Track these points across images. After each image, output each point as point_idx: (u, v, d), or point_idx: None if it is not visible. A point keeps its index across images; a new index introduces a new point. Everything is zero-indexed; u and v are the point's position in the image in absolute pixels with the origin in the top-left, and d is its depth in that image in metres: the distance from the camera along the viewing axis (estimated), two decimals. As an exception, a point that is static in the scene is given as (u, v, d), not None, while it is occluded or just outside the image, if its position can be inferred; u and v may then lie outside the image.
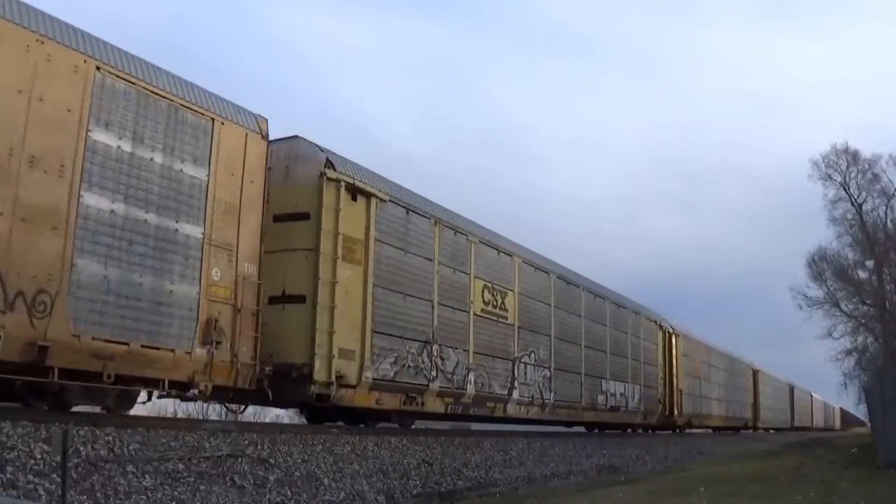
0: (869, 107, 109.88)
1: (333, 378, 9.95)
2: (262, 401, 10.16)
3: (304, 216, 10.31)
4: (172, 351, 8.11)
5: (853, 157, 39.93)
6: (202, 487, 7.21)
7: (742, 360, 37.25)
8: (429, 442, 11.50)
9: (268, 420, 16.58)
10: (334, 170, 10.53)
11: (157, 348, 7.98)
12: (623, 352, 20.13)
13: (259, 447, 8.44)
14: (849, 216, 40.39)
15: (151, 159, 8.19)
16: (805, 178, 40.67)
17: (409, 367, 11.37)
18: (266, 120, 9.88)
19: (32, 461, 6.09)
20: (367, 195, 10.99)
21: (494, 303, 13.74)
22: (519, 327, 14.51)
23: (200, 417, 12.92)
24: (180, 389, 8.43)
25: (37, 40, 7.12)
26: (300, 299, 10.08)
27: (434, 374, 11.89)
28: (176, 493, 6.89)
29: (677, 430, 26.86)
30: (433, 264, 12.13)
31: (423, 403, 11.76)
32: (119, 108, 7.86)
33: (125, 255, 7.74)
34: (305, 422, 11.88)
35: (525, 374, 14.65)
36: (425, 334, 11.80)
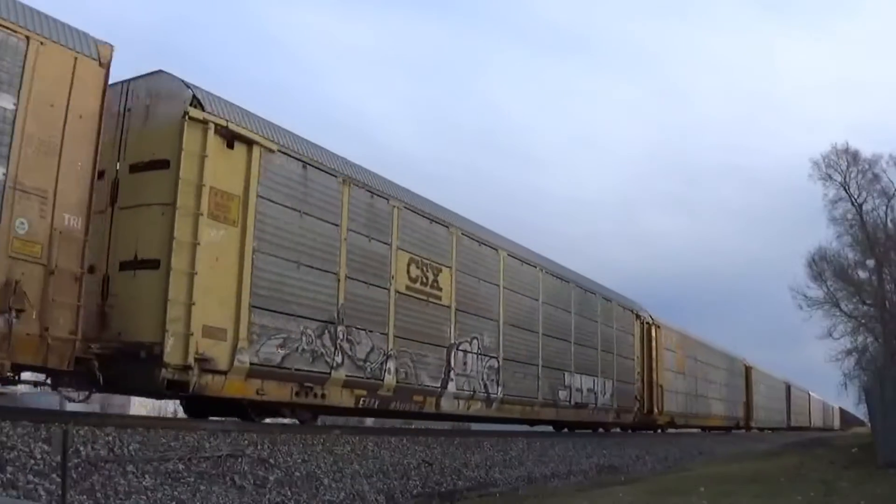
0: (869, 107, 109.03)
1: (192, 361, 8.09)
2: (109, 386, 8.32)
3: (163, 164, 8.45)
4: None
5: (853, 157, 40.09)
6: (202, 487, 7.14)
7: (734, 357, 35.27)
8: (429, 442, 11.42)
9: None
10: (202, 109, 8.67)
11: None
12: (591, 342, 18.12)
13: (259, 447, 8.34)
14: (849, 216, 40.53)
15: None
16: (804, 178, 40.78)
17: (304, 351, 9.49)
18: (110, 46, 8.04)
19: (32, 461, 6.05)
20: (249, 143, 9.11)
21: (424, 280, 11.84)
22: (457, 310, 12.59)
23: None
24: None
25: None
26: (153, 264, 8.21)
27: (339, 360, 9.99)
28: (176, 493, 6.84)
29: (659, 431, 24.87)
30: (340, 230, 10.25)
31: (324, 395, 9.87)
32: None
33: None
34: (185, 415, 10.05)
35: (465, 363, 12.74)
36: (327, 313, 9.91)
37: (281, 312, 9.22)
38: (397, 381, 11.00)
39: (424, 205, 12.18)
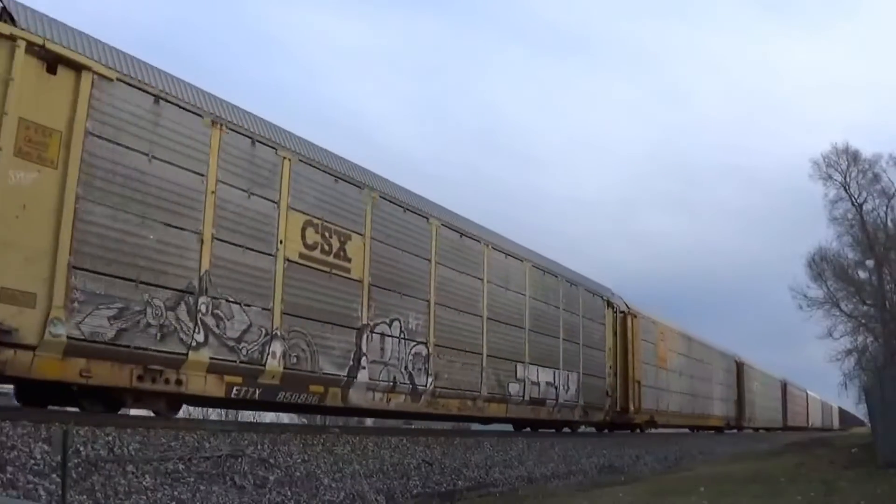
0: (869, 107, 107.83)
1: (-21, 332, 6.37)
2: None
3: (-45, 87, 6.74)
4: None
5: (853, 157, 40.53)
6: (202, 487, 7.16)
7: (725, 352, 33.40)
8: (429, 442, 11.43)
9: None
10: (12, 23, 6.96)
11: None
12: (551, 330, 16.28)
13: (259, 447, 8.30)
14: (849, 216, 40.99)
15: None
16: (804, 178, 42.31)
17: (150, 325, 7.72)
18: None
19: (32, 461, 6.05)
20: (77, 68, 7.37)
21: (326, 248, 10.07)
22: (371, 285, 10.80)
23: (200, 417, 12.63)
24: None
25: None
26: (-70, 210, 6.51)
27: (200, 338, 8.22)
28: (176, 493, 6.84)
29: (637, 430, 22.99)
30: (206, 181, 8.50)
31: (179, 381, 8.11)
32: None
33: None
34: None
35: (382, 349, 10.97)
36: (185, 280, 8.14)
37: (116, 277, 7.45)
38: (286, 368, 9.24)
39: (329, 159, 10.39)
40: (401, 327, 11.36)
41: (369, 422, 19.92)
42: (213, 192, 8.52)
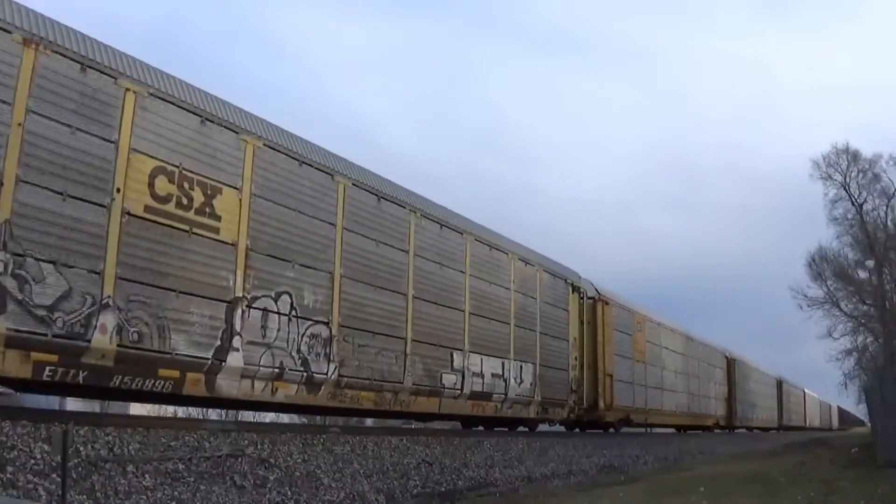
0: (869, 107, 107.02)
1: None
2: None
3: None
4: None
5: (854, 156, 40.52)
6: (202, 487, 7.13)
7: (715, 347, 31.54)
8: (429, 442, 11.48)
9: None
10: None
11: None
12: (499, 315, 14.37)
13: (259, 447, 8.31)
14: (849, 216, 41.25)
15: None
16: (804, 179, 43.58)
17: None
18: None
19: (32, 461, 5.98)
20: None
21: (184, 201, 8.23)
22: (249, 249, 9.01)
23: (200, 417, 12.73)
24: None
25: None
26: None
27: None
28: (176, 493, 6.82)
29: (611, 430, 20.98)
30: (11, 112, 6.65)
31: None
32: None
33: None
34: None
35: (263, 328, 9.13)
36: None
37: None
38: (121, 345, 7.46)
39: (190, 94, 8.55)
40: (292, 303, 9.53)
41: (369, 422, 19.05)
42: (19, 125, 6.69)
